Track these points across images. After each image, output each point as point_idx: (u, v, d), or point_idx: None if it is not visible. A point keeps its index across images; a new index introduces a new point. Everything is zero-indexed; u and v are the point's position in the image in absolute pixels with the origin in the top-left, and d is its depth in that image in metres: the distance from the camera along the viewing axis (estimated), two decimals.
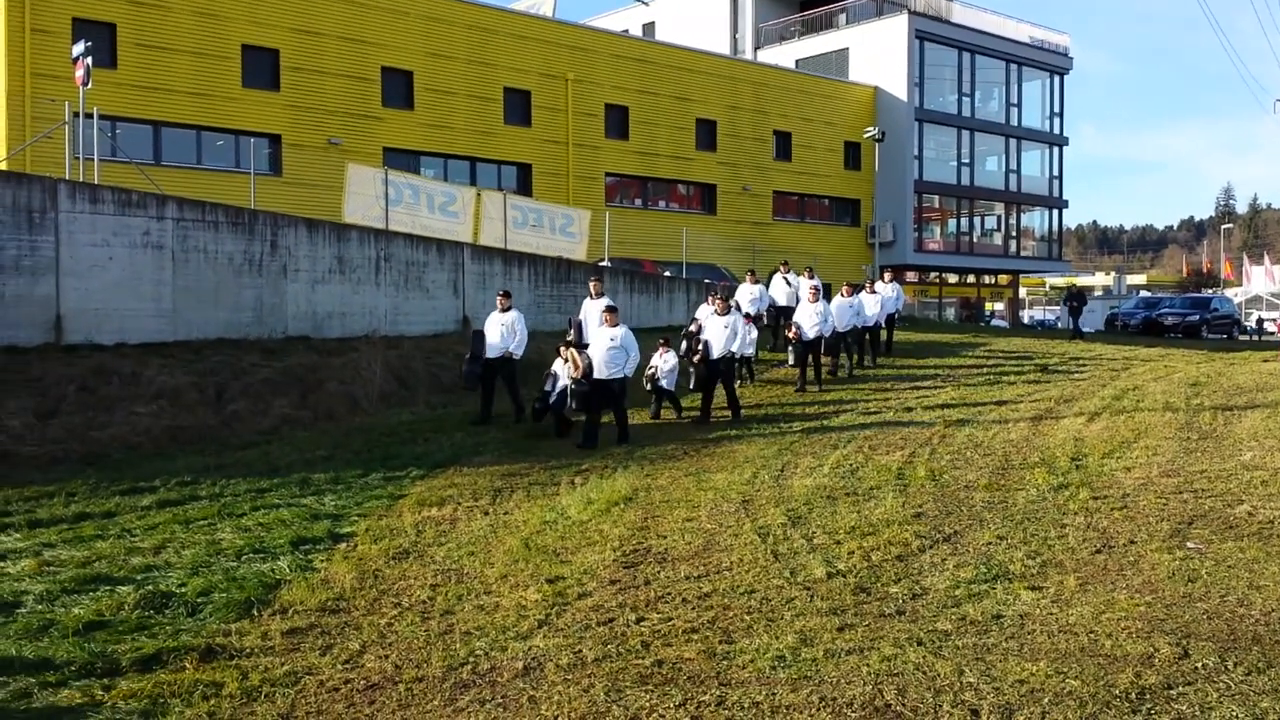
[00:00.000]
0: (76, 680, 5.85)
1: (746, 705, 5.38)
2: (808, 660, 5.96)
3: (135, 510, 10.19)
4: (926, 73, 44.79)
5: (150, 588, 7.47)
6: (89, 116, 19.01)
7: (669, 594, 7.31)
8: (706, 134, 38.27)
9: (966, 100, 46.65)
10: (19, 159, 21.64)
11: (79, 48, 19.37)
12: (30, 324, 15.69)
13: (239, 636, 6.58)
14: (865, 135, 39.78)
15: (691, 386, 15.95)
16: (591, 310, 15.92)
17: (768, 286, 21.78)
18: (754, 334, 18.28)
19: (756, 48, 48.63)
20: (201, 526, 9.52)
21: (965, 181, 47.27)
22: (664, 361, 15.53)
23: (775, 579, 7.57)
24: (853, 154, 43.17)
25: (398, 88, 30.61)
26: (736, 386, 17.73)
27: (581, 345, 14.82)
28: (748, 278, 21.24)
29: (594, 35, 36.63)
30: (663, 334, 17.68)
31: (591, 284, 16.71)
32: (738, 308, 18.80)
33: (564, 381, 14.21)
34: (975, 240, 48.76)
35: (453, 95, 31.57)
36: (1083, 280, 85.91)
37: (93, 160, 18.89)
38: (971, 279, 50.88)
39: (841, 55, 45.82)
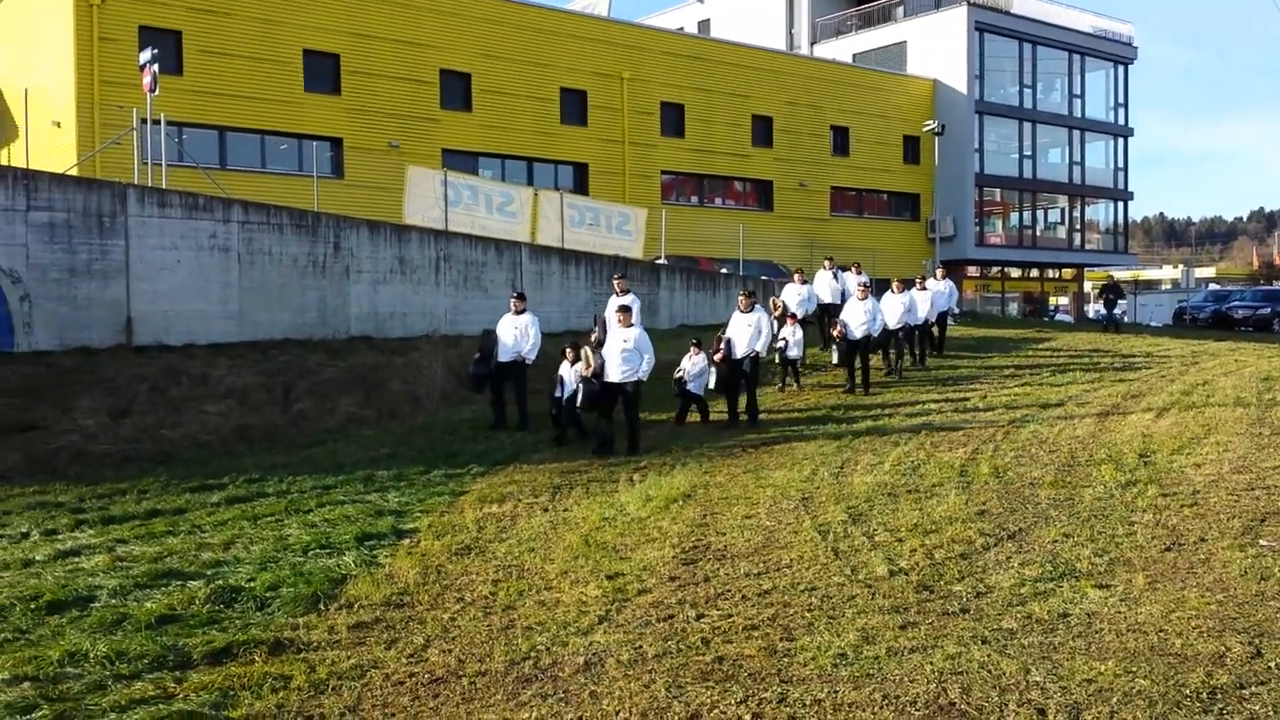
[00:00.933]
0: (149, 673, 5.99)
1: (808, 703, 5.36)
2: (870, 658, 5.92)
3: (205, 507, 10.42)
4: (986, 64, 44.17)
5: (220, 582, 7.63)
6: (156, 122, 19.46)
7: (729, 591, 7.30)
8: (763, 130, 38.12)
9: (1028, 92, 45.91)
10: (89, 165, 22.22)
11: (146, 55, 19.86)
12: (102, 326, 16.12)
13: (306, 630, 6.70)
14: (924, 129, 39.32)
15: (712, 387, 15.10)
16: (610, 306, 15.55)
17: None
18: (799, 334, 17.66)
19: (813, 43, 48.30)
20: (269, 523, 9.71)
21: (1027, 174, 46.53)
22: (693, 364, 14.78)
23: (836, 576, 7.53)
24: (912, 148, 42.73)
25: (456, 90, 30.92)
26: (784, 387, 17.34)
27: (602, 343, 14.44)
28: (795, 277, 20.18)
29: (649, 34, 36.69)
30: (698, 334, 17.22)
31: (615, 282, 16.07)
32: (783, 309, 18.32)
33: (571, 386, 13.71)
34: (1038, 234, 47.98)
35: (510, 96, 31.80)
36: (1149, 274, 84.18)
37: (160, 165, 19.34)
38: (1035, 273, 50.08)
39: (899, 48, 45.34)
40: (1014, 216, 47.52)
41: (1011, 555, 7.97)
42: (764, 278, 26.29)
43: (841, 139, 40.65)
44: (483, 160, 31.62)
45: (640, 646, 6.22)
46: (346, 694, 5.69)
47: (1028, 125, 46.13)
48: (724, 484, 11.01)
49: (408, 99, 29.81)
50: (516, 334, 14.35)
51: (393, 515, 9.90)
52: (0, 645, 6.42)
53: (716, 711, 5.30)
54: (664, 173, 35.76)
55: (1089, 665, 5.74)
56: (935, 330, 21.32)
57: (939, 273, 21.90)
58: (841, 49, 46.74)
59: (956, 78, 43.31)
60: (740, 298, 15.32)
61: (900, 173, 42.66)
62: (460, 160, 29.83)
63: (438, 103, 30.50)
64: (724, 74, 36.78)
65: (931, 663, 5.81)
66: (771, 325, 15.49)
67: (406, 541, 8.96)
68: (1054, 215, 49.23)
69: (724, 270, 27.21)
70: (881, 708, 5.28)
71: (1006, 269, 48.45)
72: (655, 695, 5.51)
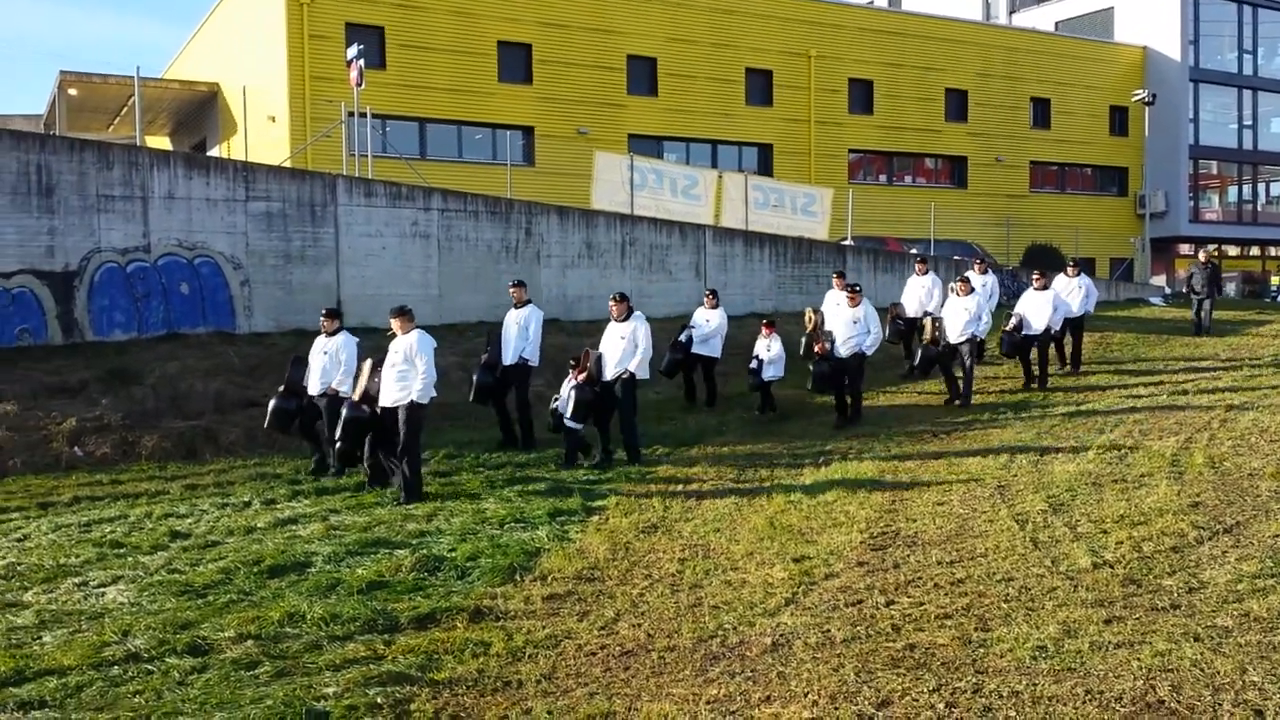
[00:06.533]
0: (361, 635, 6.36)
1: (1005, 694, 5.20)
2: (1071, 652, 5.68)
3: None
4: (1202, 29, 41.31)
5: (424, 552, 8.03)
6: (362, 115, 20.49)
7: (919, 578, 7.15)
8: (956, 104, 36.81)
9: (1248, 57, 42.70)
10: (301, 157, 23.57)
11: (352, 51, 20.93)
12: (314, 309, 17.04)
13: (504, 600, 6.96)
14: (1133, 98, 37.22)
15: (568, 416, 11.47)
16: (510, 321, 12.79)
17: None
18: (777, 347, 14.46)
19: (1011, 11, 46.34)
20: (468, 496, 10.13)
21: (1247, 145, 43.31)
22: (568, 386, 11.68)
23: (1035, 567, 7.25)
24: (1119, 119, 40.37)
25: (642, 75, 31.20)
26: (761, 416, 14.36)
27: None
28: (835, 282, 15.88)
29: (837, 9, 35.94)
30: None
31: (512, 291, 13.02)
32: (816, 324, 15.03)
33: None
34: (1259, 209, 44.63)
35: (695, 79, 31.84)
36: None
37: (366, 156, 20.36)
38: (1255, 251, 46.58)
39: (1105, 15, 42.90)
40: (1232, 190, 44.36)
41: (1228, 550, 7.48)
42: (956, 257, 25.45)
43: (1042, 111, 38.77)
44: (667, 144, 31.81)
45: (828, 630, 6.18)
46: (542, 662, 5.89)
47: (1247, 93, 42.89)
48: (913, 469, 10.77)
49: (595, 86, 30.29)
50: (326, 360, 11.37)
51: (582, 492, 10.15)
52: (227, 606, 6.95)
53: (908, 699, 5.21)
54: (851, 151, 35.07)
55: None
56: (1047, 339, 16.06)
57: (1070, 269, 17.32)
58: (1043, 17, 44.59)
59: (1169, 44, 40.63)
60: (612, 303, 12.10)
61: (1106, 145, 40.37)
62: (645, 144, 30.09)
63: (624, 88, 30.85)
64: (916, 47, 35.70)
65: (1139, 659, 5.54)
66: (649, 338, 11.95)
67: (596, 518, 9.17)
68: (1276, 189, 45.68)
69: (914, 251, 26.49)
70: (1084, 702, 5.07)
71: (1223, 247, 45.30)
72: (844, 679, 5.46)
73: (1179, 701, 5.05)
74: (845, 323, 13.55)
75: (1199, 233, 42.68)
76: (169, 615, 6.74)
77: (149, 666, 5.91)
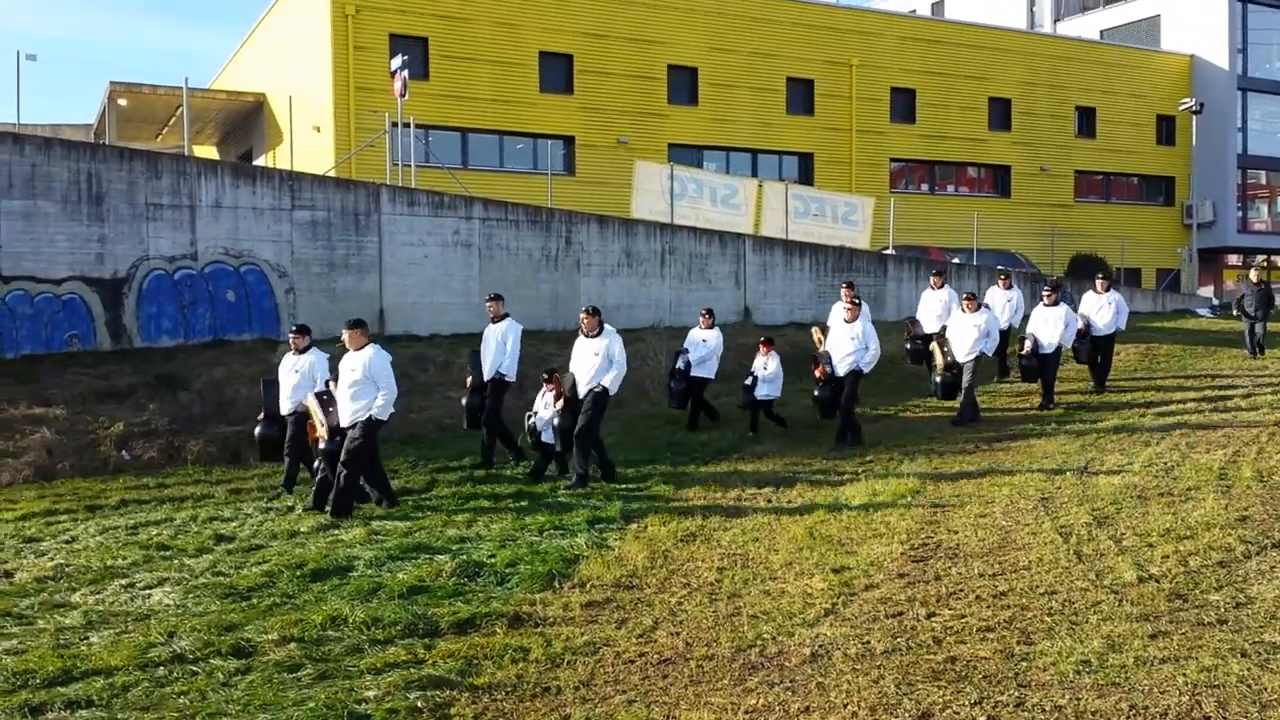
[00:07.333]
0: (402, 639, 6.41)
1: (1048, 708, 5.14)
2: (1116, 666, 5.61)
3: (449, 486, 11.06)
4: (1250, 37, 40.66)
5: (464, 558, 8.08)
6: (406, 125, 20.69)
7: (961, 590, 7.08)
8: (1000, 113, 36.50)
9: None
10: (345, 166, 23.85)
11: (396, 61, 21.15)
12: (357, 316, 17.28)
13: (543, 606, 6.99)
14: (1180, 107, 36.72)
15: (550, 440, 11.42)
16: (489, 335, 12.46)
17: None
18: (774, 365, 13.86)
19: (1056, 20, 45.87)
20: (507, 503, 10.19)
21: None
22: (544, 406, 11.55)
23: (1079, 581, 7.16)
24: (1165, 128, 39.83)
25: (682, 84, 31.23)
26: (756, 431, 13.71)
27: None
28: (844, 292, 14.29)
29: (879, 18, 35.83)
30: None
31: (488, 305, 12.78)
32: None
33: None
34: None
35: (735, 88, 31.84)
36: None
37: (409, 166, 20.55)
38: None
39: (1152, 23, 42.38)
40: None
41: (1276, 565, 7.34)
42: (999, 267, 25.22)
43: (1087, 120, 38.34)
44: (707, 153, 31.81)
45: (868, 641, 6.14)
46: (580, 669, 5.90)
47: None
48: (955, 480, 10.68)
49: (636, 95, 30.36)
50: (299, 376, 10.83)
51: (620, 500, 10.17)
52: (270, 609, 7.03)
53: (949, 711, 5.17)
54: (893, 160, 34.88)
55: None
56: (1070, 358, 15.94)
57: (1099, 285, 16.30)
58: (1088, 25, 44.12)
59: (1216, 52, 40.06)
60: (583, 315, 11.44)
61: (1152, 155, 39.85)
62: (686, 154, 30.13)
63: (665, 98, 30.90)
64: (959, 56, 35.46)
65: (1184, 674, 5.46)
66: (624, 353, 11.30)
67: (634, 526, 9.18)
68: None
69: (956, 261, 26.30)
70: (1129, 718, 5.00)
71: (1274, 258, 44.53)
72: (884, 691, 5.43)
73: (1225, 718, 4.97)
74: (843, 339, 12.95)
75: (1247, 243, 42.01)
76: (214, 617, 6.83)
77: (194, 668, 5.99)
